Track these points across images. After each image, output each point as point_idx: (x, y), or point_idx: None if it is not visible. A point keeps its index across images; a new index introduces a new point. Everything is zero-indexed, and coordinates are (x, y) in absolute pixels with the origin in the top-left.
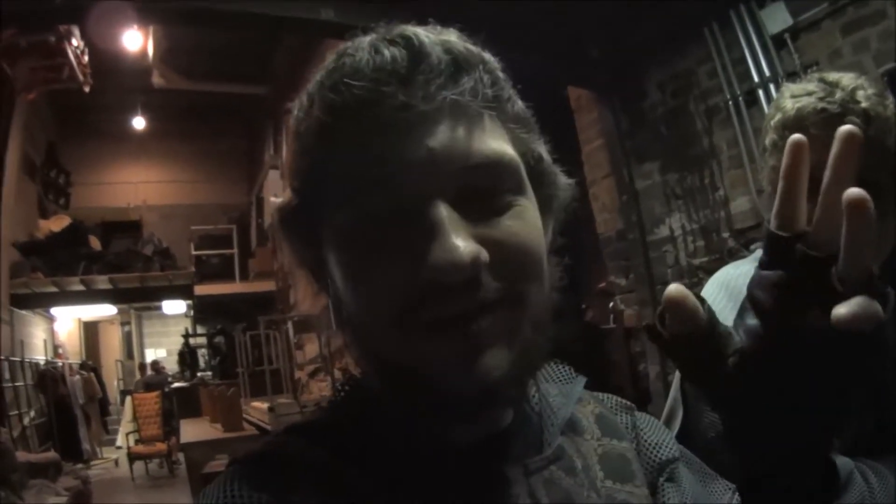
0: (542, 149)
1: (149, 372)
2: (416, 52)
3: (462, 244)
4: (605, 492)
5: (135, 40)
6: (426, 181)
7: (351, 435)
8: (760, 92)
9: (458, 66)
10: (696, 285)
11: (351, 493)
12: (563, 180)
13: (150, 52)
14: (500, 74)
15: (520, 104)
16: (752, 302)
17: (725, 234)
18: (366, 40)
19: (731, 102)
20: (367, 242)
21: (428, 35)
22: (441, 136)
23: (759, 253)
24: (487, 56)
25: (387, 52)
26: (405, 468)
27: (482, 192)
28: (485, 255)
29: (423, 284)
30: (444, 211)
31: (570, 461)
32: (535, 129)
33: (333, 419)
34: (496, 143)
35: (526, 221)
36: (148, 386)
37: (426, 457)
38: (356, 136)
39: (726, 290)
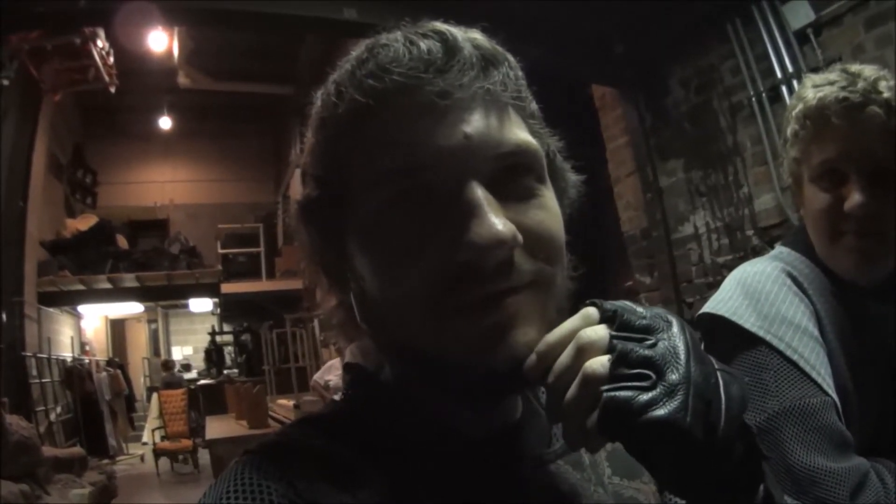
0: (556, 146)
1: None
2: (449, 45)
3: (500, 222)
4: (612, 488)
5: (160, 41)
6: (463, 164)
7: (363, 427)
8: (784, 88)
9: (487, 60)
10: (719, 283)
11: (362, 483)
12: (573, 177)
13: (176, 52)
14: (521, 73)
15: (535, 104)
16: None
17: (750, 232)
18: (398, 34)
19: (754, 99)
20: (402, 224)
21: (457, 31)
22: (476, 124)
23: (777, 251)
24: (509, 55)
25: (423, 45)
26: (416, 460)
27: (511, 178)
28: (519, 235)
29: (461, 264)
30: (480, 191)
31: (577, 456)
32: (546, 128)
33: (346, 412)
34: (523, 133)
35: (549, 208)
36: (167, 385)
37: (437, 448)
38: (395, 119)
39: (742, 287)
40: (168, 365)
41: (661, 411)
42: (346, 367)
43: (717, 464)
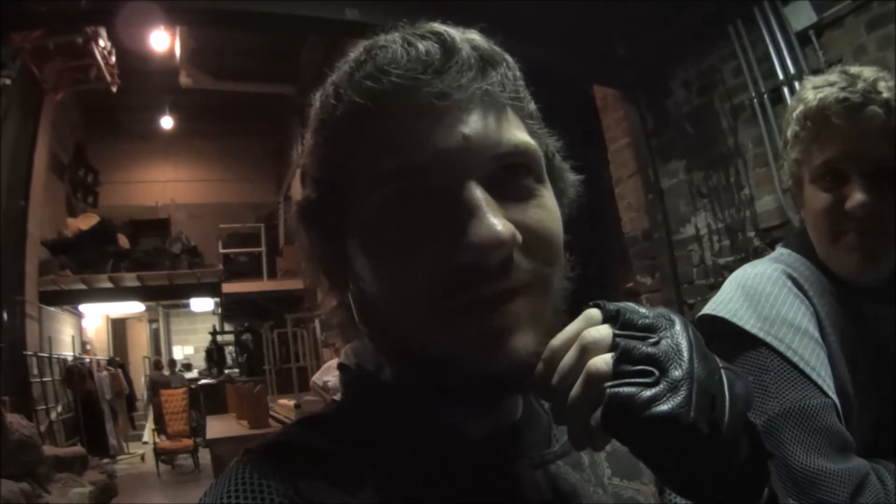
0: (554, 146)
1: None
2: (447, 46)
3: (499, 222)
4: (612, 489)
5: (162, 41)
6: (461, 165)
7: (363, 426)
8: (785, 89)
9: (485, 61)
10: (720, 285)
11: (362, 483)
12: (572, 177)
13: (178, 52)
14: (519, 73)
15: (533, 104)
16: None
17: (751, 234)
18: (396, 35)
19: (755, 100)
20: (401, 225)
21: (455, 32)
22: (474, 125)
23: (778, 252)
24: (507, 56)
25: (420, 46)
26: (416, 460)
27: (509, 178)
28: (519, 235)
29: (460, 264)
30: (479, 192)
31: (577, 457)
32: (545, 128)
33: (346, 412)
34: (521, 133)
35: (548, 208)
36: (154, 383)
37: (437, 449)
38: (393, 120)
39: (742, 289)
40: (158, 365)
41: (664, 406)
42: (340, 368)
43: (721, 461)
